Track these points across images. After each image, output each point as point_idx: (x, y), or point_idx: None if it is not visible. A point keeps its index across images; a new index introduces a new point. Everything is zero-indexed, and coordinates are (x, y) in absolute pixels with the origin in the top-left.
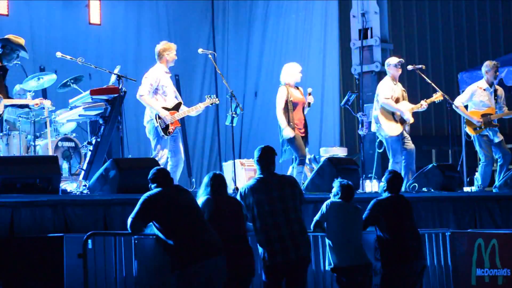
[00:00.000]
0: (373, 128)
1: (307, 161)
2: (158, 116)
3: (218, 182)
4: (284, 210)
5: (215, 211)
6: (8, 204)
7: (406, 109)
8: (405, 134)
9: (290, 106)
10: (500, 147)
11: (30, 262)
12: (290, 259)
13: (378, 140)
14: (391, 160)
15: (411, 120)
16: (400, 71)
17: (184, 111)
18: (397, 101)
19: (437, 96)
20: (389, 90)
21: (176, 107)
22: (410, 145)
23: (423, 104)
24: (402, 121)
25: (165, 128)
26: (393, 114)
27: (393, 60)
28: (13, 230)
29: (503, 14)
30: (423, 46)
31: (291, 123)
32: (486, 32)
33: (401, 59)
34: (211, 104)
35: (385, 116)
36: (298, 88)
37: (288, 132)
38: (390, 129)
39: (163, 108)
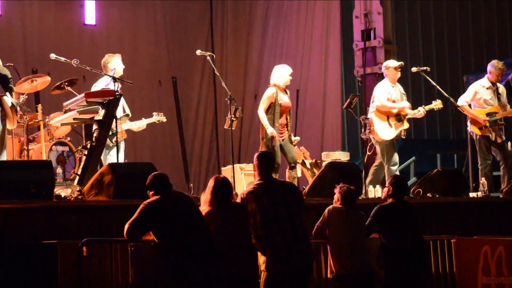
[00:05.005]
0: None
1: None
2: None
3: (222, 188)
4: (288, 216)
5: (220, 220)
6: (1, 210)
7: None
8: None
9: (277, 109)
10: (502, 149)
11: (23, 270)
12: (296, 267)
13: (369, 143)
14: (386, 166)
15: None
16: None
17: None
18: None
19: (437, 104)
20: (385, 93)
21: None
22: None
23: (421, 111)
24: (397, 126)
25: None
26: (387, 117)
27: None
28: (6, 236)
29: (510, 15)
30: (428, 48)
31: (276, 126)
32: (492, 33)
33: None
34: (158, 121)
35: (379, 119)
36: (286, 92)
37: (272, 132)
38: (383, 133)
39: None
